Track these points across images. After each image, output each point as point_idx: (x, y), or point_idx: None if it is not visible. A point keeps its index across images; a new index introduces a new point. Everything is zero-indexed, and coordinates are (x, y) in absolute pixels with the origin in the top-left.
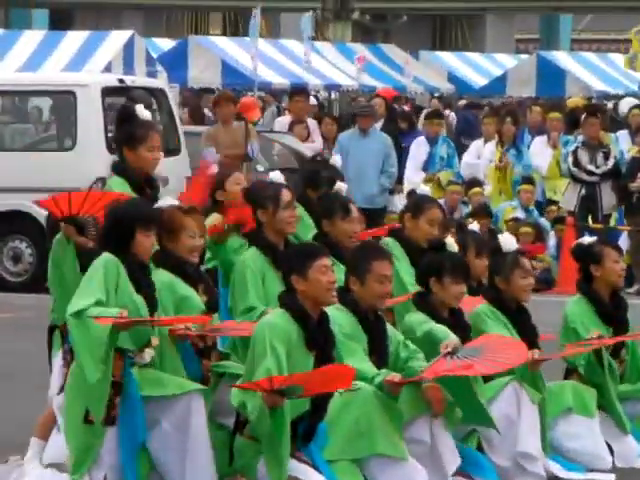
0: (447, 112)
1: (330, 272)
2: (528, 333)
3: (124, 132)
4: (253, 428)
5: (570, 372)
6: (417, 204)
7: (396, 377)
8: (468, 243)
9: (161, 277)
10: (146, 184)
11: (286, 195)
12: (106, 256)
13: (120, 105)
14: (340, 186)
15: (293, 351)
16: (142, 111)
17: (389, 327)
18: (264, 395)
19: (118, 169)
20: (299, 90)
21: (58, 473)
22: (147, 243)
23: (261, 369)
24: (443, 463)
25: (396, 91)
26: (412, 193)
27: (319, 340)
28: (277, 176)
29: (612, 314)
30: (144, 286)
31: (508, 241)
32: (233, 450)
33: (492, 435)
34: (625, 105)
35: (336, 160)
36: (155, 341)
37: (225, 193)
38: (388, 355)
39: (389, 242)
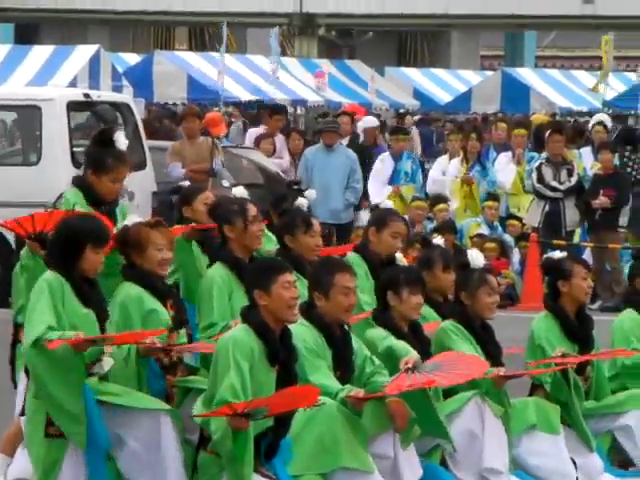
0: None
1: (293, 288)
2: (492, 350)
3: (95, 156)
4: (215, 446)
5: (535, 388)
6: (381, 218)
7: (360, 393)
8: (435, 258)
9: (129, 290)
10: (105, 207)
11: (252, 209)
12: (47, 276)
13: (103, 128)
14: (301, 201)
15: (256, 366)
16: (120, 140)
17: (356, 341)
18: (228, 419)
19: (77, 183)
20: (279, 109)
21: None
22: (96, 260)
23: (225, 385)
24: (403, 477)
25: (362, 107)
26: (375, 208)
27: (281, 355)
28: (240, 191)
29: (578, 331)
30: (93, 300)
31: (476, 257)
32: (197, 465)
33: (455, 451)
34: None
35: (311, 194)
36: (108, 349)
37: (191, 210)
38: (353, 370)
39: (352, 258)
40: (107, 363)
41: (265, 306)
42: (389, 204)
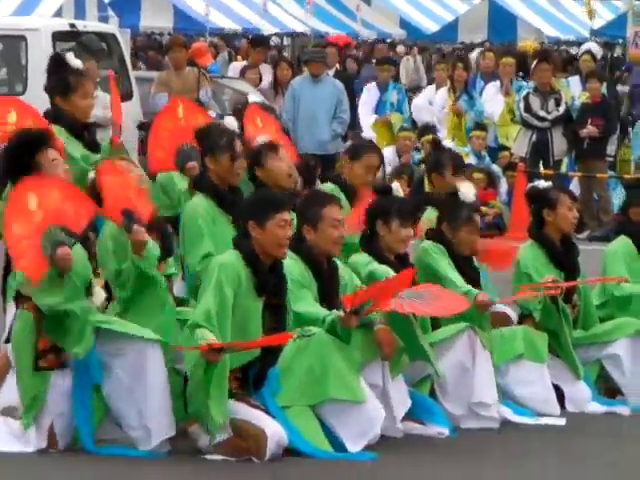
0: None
1: (288, 227)
2: (471, 274)
3: (56, 81)
4: (189, 374)
5: (524, 317)
6: (356, 149)
7: (348, 302)
8: (445, 160)
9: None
10: (83, 129)
11: (239, 145)
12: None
13: (51, 55)
14: (229, 121)
15: (242, 294)
16: (72, 59)
17: (347, 271)
18: (202, 352)
19: (53, 117)
20: (261, 41)
21: (10, 419)
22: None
23: (200, 308)
24: (392, 406)
25: (348, 37)
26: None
27: (269, 286)
28: (230, 122)
29: (564, 259)
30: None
31: (467, 192)
32: (186, 395)
33: (446, 383)
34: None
35: (254, 97)
36: (99, 282)
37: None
38: (339, 303)
39: (331, 189)
40: (98, 297)
41: (257, 239)
42: (372, 135)
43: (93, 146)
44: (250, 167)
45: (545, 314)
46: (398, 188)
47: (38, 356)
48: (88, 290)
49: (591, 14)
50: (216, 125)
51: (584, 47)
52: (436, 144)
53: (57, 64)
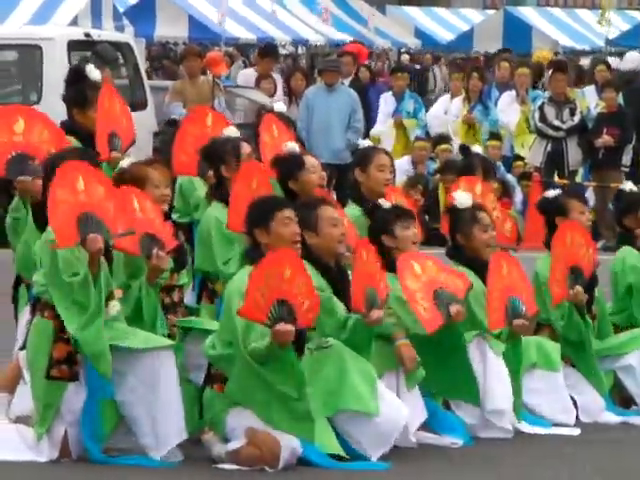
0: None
1: (293, 224)
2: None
3: (74, 93)
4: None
5: (540, 328)
6: (363, 155)
7: (358, 302)
8: (475, 164)
9: None
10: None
11: (246, 148)
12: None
13: (71, 66)
14: (279, 106)
15: None
16: (92, 71)
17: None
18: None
19: (68, 129)
20: (269, 50)
21: (24, 427)
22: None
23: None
24: (406, 421)
25: (363, 46)
26: (356, 149)
27: None
28: (232, 131)
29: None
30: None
31: (461, 197)
32: (202, 402)
33: None
34: (629, 60)
35: (280, 107)
36: (118, 293)
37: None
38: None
39: (352, 213)
40: (113, 307)
41: (267, 244)
42: (367, 143)
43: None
44: (282, 180)
45: (569, 326)
46: (384, 202)
47: (51, 365)
48: (106, 301)
49: (602, 22)
50: (216, 137)
51: (586, 60)
52: (465, 150)
53: (76, 75)
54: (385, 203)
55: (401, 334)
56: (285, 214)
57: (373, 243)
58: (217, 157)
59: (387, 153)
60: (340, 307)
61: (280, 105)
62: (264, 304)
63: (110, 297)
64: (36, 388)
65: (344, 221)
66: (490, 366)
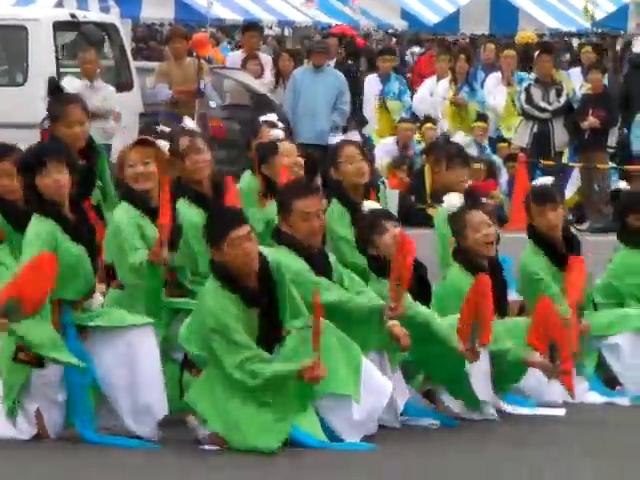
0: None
1: (246, 242)
2: (498, 288)
3: (48, 109)
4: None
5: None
6: (331, 154)
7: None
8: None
9: (117, 211)
10: (80, 156)
11: (184, 142)
12: (36, 226)
13: (48, 79)
14: (276, 133)
15: (242, 315)
16: (67, 84)
17: (330, 256)
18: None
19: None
20: (252, 25)
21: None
22: (45, 183)
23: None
24: (393, 398)
25: (351, 28)
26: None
27: (258, 296)
28: (189, 123)
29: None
30: (79, 233)
31: (450, 201)
32: (182, 386)
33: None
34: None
35: (262, 87)
36: (101, 287)
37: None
38: (278, 301)
39: (335, 211)
40: (97, 301)
41: (225, 262)
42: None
43: (93, 169)
44: (258, 165)
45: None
46: (368, 204)
47: (20, 347)
48: (88, 296)
49: (587, 11)
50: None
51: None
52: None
53: (52, 88)
54: (364, 207)
55: (383, 304)
56: (237, 234)
57: (362, 252)
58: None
59: (353, 142)
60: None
61: (262, 85)
62: None
63: (92, 292)
64: (3, 366)
65: (319, 212)
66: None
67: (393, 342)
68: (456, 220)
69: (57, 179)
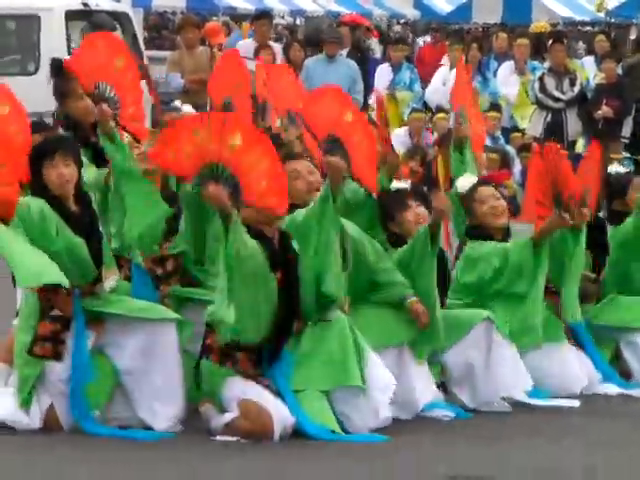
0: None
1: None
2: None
3: (54, 86)
4: None
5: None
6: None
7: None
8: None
9: None
10: (92, 132)
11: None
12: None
13: (51, 60)
14: None
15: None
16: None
17: (356, 231)
18: None
19: (61, 124)
20: (262, 14)
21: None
22: (52, 175)
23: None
24: (415, 392)
25: (362, 17)
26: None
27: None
28: (187, 109)
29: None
30: (81, 225)
31: (461, 183)
32: (199, 373)
33: (454, 374)
34: None
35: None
36: (114, 273)
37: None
38: (297, 272)
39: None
40: (107, 285)
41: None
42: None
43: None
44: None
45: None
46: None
47: (35, 341)
48: (98, 278)
49: (600, 7)
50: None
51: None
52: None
53: (55, 69)
54: (395, 186)
55: (410, 292)
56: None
57: (384, 231)
58: None
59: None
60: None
61: None
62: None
63: (99, 279)
64: (18, 361)
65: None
66: (495, 350)
67: (412, 317)
68: (466, 199)
69: (63, 173)
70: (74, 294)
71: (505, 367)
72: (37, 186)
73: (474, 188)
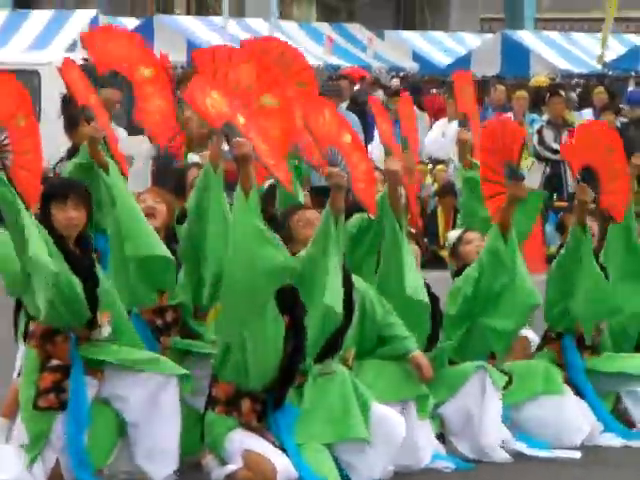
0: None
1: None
2: None
3: (65, 117)
4: None
5: (547, 341)
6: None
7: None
8: None
9: None
10: None
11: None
12: None
13: (62, 95)
14: None
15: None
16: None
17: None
18: None
19: (71, 154)
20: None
21: (21, 451)
22: (60, 216)
23: None
24: (417, 448)
25: (361, 70)
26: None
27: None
28: (195, 158)
29: None
30: (79, 266)
31: (452, 235)
32: (204, 424)
33: (453, 425)
34: None
35: None
36: (106, 316)
37: None
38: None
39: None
40: (106, 329)
41: None
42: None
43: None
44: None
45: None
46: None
47: (38, 395)
48: (93, 322)
49: (600, 60)
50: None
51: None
52: None
53: (65, 101)
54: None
55: (414, 347)
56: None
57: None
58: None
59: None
60: None
61: None
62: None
63: (94, 322)
64: (25, 418)
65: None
66: (488, 400)
67: (415, 370)
68: (455, 245)
69: (72, 217)
70: (70, 339)
71: (490, 419)
72: (44, 223)
73: (463, 232)
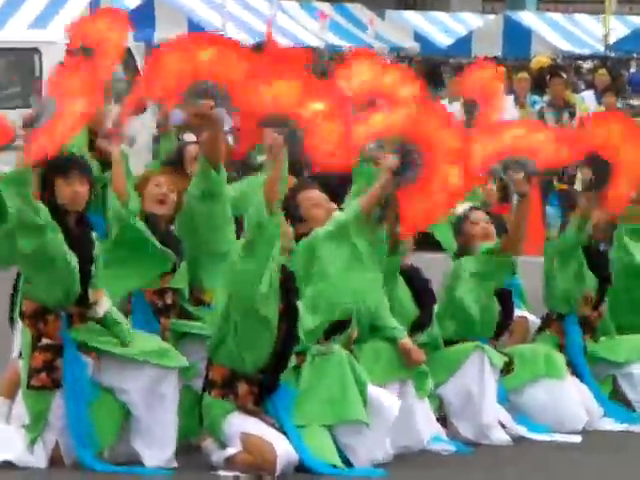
0: None
1: None
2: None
3: None
4: None
5: (547, 322)
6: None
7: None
8: None
9: None
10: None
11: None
12: None
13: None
14: None
15: None
16: None
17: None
18: None
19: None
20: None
21: (23, 431)
22: (66, 190)
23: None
24: (418, 426)
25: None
26: None
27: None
28: (188, 138)
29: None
30: (78, 242)
31: (458, 207)
32: (202, 408)
33: (453, 406)
34: None
35: None
36: (101, 295)
37: None
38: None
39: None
40: (102, 307)
41: None
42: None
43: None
44: None
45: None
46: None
47: (31, 374)
48: (88, 300)
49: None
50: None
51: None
52: None
53: None
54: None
55: (402, 335)
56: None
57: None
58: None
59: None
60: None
61: None
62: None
63: (86, 299)
64: (24, 397)
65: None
66: (486, 380)
67: (404, 357)
68: (457, 220)
69: (78, 191)
70: (61, 318)
71: (490, 394)
72: (46, 198)
73: (469, 210)
